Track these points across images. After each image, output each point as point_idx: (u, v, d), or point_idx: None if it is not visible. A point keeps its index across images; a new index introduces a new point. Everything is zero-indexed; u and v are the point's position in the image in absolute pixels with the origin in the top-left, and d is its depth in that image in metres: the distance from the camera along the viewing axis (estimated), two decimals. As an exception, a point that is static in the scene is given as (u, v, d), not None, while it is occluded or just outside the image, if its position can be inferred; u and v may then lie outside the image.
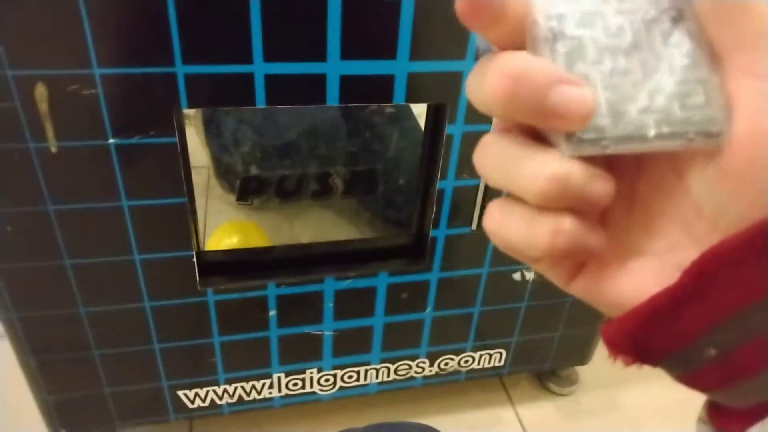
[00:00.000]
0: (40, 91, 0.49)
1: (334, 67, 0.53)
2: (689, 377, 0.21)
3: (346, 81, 0.54)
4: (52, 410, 0.67)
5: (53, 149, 0.51)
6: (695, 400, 0.24)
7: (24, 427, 0.75)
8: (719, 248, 0.19)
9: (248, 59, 0.51)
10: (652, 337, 0.20)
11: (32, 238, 0.55)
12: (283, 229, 0.76)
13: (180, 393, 0.70)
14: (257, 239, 0.76)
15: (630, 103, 0.22)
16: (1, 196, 0.53)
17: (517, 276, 0.73)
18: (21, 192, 0.53)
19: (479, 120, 0.59)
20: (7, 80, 0.47)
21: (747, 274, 0.18)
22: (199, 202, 0.63)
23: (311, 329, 0.70)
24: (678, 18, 0.23)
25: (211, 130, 0.73)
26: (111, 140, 0.52)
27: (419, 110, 0.74)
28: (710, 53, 0.22)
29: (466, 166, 0.62)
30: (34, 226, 0.54)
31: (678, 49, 0.22)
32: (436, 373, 0.80)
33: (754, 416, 0.20)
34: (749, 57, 0.19)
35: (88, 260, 0.58)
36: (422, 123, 0.63)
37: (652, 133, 0.21)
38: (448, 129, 0.59)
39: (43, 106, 0.49)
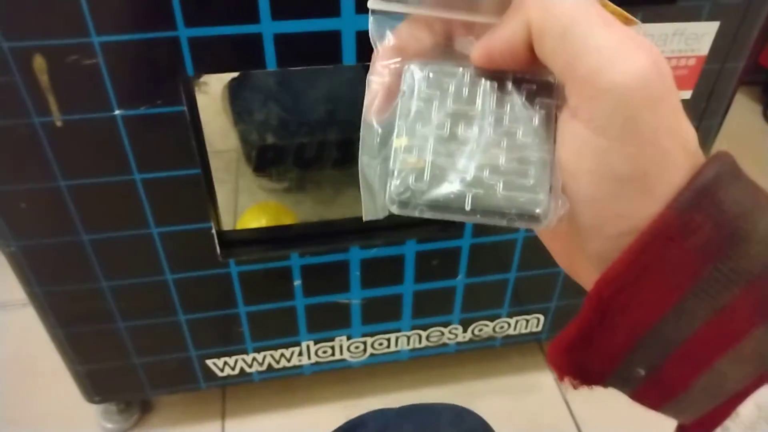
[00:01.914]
0: (39, 63, 0.46)
1: (350, 22, 0.48)
2: (635, 395, 0.21)
3: (363, 37, 0.49)
4: (84, 379, 0.68)
5: (58, 123, 0.49)
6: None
7: (61, 392, 0.76)
8: (607, 276, 0.20)
9: (255, 18, 0.47)
10: (584, 361, 0.21)
11: (47, 214, 0.54)
12: (315, 211, 0.73)
13: (209, 362, 0.70)
14: (286, 221, 0.73)
15: (456, 173, 0.21)
16: (10, 174, 0.51)
17: (555, 241, 0.68)
18: (30, 168, 0.51)
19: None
20: (3, 52, 0.45)
21: (642, 293, 0.19)
22: (230, 185, 0.61)
23: (338, 298, 0.68)
24: (536, 93, 0.22)
25: (237, 107, 0.69)
26: (117, 111, 0.49)
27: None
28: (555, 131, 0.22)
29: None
30: (48, 202, 0.53)
31: (524, 125, 0.22)
32: (470, 339, 0.77)
33: (707, 427, 0.20)
34: (576, 102, 0.20)
35: (105, 234, 0.56)
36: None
37: (468, 207, 0.21)
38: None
39: (44, 79, 0.47)
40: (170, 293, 0.62)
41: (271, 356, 0.72)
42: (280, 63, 0.49)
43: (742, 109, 1.40)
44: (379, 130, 0.24)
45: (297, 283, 0.65)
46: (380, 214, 0.23)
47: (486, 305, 0.74)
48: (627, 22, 0.23)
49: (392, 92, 0.24)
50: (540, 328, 0.79)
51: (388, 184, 0.22)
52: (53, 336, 0.63)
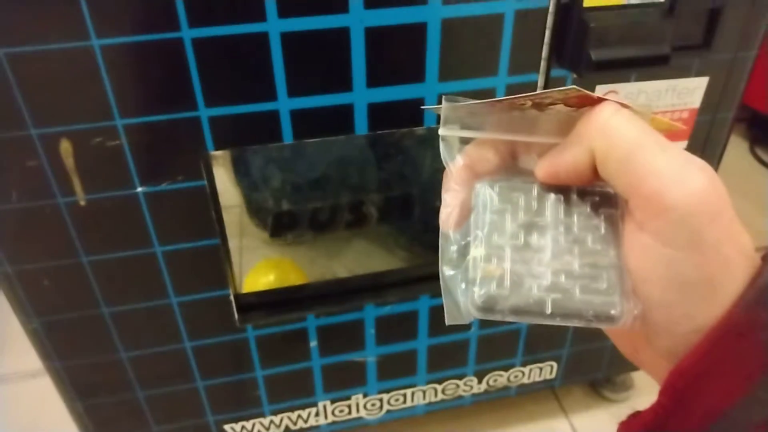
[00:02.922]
0: (65, 147, 0.48)
1: (361, 96, 0.51)
2: None
3: (374, 109, 0.52)
4: (103, 451, 0.68)
5: (82, 202, 0.50)
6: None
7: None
8: (681, 368, 0.22)
9: (272, 96, 0.49)
10: None
11: (69, 290, 0.55)
12: (320, 264, 0.75)
13: (227, 427, 0.70)
14: (294, 276, 0.74)
15: (534, 279, 0.23)
16: (35, 252, 0.52)
17: (564, 290, 0.70)
18: (54, 246, 0.52)
19: (516, 136, 0.56)
20: (32, 139, 0.47)
21: (714, 384, 0.21)
22: (233, 243, 0.62)
23: (354, 356, 0.69)
24: (600, 204, 0.24)
25: (240, 169, 0.71)
26: (139, 189, 0.51)
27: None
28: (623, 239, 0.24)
29: (505, 183, 0.59)
30: (70, 278, 0.54)
31: (592, 233, 0.24)
32: (485, 390, 0.78)
33: None
34: (642, 217, 0.22)
35: (126, 307, 0.57)
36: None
37: (549, 310, 0.23)
38: (484, 147, 0.56)
39: (69, 161, 0.48)
40: (188, 360, 0.63)
41: (288, 418, 0.71)
42: (296, 136, 0.51)
43: (730, 145, 1.44)
44: (458, 242, 0.26)
45: (313, 344, 0.66)
46: (465, 320, 0.25)
47: (499, 355, 0.75)
48: (672, 128, 0.26)
49: (465, 207, 0.26)
50: (554, 375, 0.79)
51: (471, 292, 0.24)
52: (71, 409, 0.63)
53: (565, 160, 0.24)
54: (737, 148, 1.44)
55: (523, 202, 0.25)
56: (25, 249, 0.52)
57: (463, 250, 0.26)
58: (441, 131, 0.27)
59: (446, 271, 0.26)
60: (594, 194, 0.25)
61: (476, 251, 0.24)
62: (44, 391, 0.86)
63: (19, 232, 0.51)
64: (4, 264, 0.52)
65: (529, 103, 0.26)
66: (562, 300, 0.23)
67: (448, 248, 0.26)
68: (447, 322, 0.26)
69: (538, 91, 0.25)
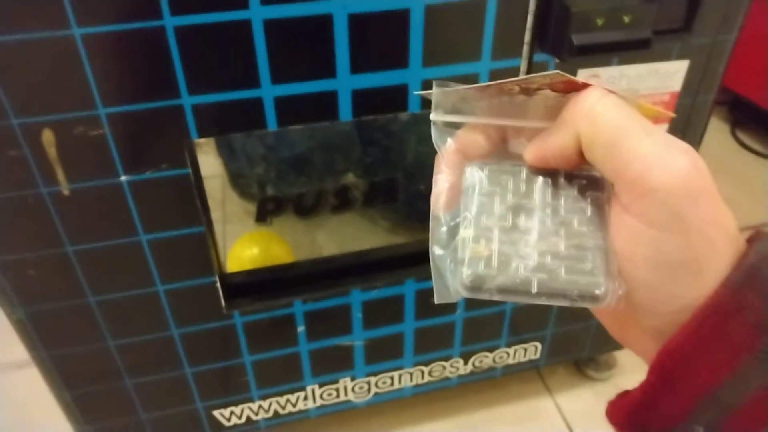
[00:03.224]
0: (47, 137, 0.47)
1: (345, 83, 0.51)
2: None
3: (358, 95, 0.52)
4: (92, 439, 0.68)
5: (66, 192, 0.50)
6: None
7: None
8: (668, 347, 0.22)
9: (256, 83, 0.49)
10: (643, 422, 0.24)
11: (54, 279, 0.55)
12: (304, 242, 0.75)
13: (215, 413, 0.70)
14: (278, 249, 0.75)
15: (521, 259, 0.24)
16: (20, 242, 0.52)
17: (548, 272, 0.71)
18: (38, 236, 0.52)
19: (500, 121, 0.57)
20: (13, 129, 0.46)
21: (701, 363, 0.22)
22: (216, 214, 0.62)
23: (341, 341, 0.69)
24: (586, 187, 0.25)
25: (224, 147, 0.71)
26: (123, 177, 0.51)
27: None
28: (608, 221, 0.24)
29: (489, 168, 0.60)
30: (56, 268, 0.54)
31: (579, 215, 0.25)
32: (471, 371, 0.79)
33: None
34: (627, 199, 0.23)
35: (112, 295, 0.57)
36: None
37: (534, 290, 0.24)
38: (468, 132, 0.57)
39: (52, 151, 0.48)
40: (176, 347, 0.63)
41: (277, 402, 0.72)
42: (280, 123, 0.51)
43: (711, 128, 1.45)
44: (448, 223, 0.27)
45: (300, 329, 0.66)
46: (453, 298, 0.26)
47: (485, 337, 0.76)
48: (660, 115, 0.26)
49: (456, 189, 0.27)
50: (538, 355, 0.81)
51: (459, 272, 0.24)
52: (59, 398, 0.63)
53: (552, 144, 0.25)
54: (719, 131, 1.46)
55: (512, 184, 0.26)
56: (10, 239, 0.52)
57: (453, 231, 0.26)
58: (432, 116, 0.28)
59: (436, 251, 0.27)
60: (581, 177, 0.26)
61: (465, 232, 0.25)
62: (32, 382, 0.87)
63: (3, 222, 0.51)
64: (-13, 255, 0.52)
65: (517, 88, 0.27)
66: (548, 280, 0.23)
67: (438, 229, 0.27)
68: (436, 300, 0.27)
69: (523, 76, 0.25)
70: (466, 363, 0.78)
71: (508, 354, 0.79)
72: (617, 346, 0.86)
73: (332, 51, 0.49)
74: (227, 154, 0.73)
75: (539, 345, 0.80)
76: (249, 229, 0.74)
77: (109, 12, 0.43)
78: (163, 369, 0.64)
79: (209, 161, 0.77)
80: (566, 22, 0.51)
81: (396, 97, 0.53)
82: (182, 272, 0.58)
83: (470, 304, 0.71)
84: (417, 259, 0.68)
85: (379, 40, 0.50)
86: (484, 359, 0.78)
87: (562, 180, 0.26)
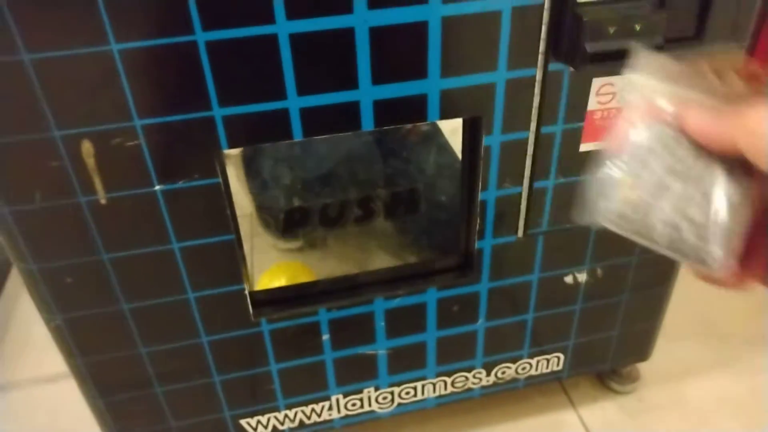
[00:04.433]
0: (86, 148, 0.50)
1: (367, 93, 0.53)
2: None
3: (379, 105, 0.54)
4: (123, 447, 0.69)
5: (103, 201, 0.53)
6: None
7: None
8: None
9: (282, 95, 0.51)
10: None
11: (90, 286, 0.57)
12: (327, 265, 0.77)
13: (242, 422, 0.71)
14: (305, 278, 0.77)
15: (660, 213, 0.28)
16: (58, 250, 0.54)
17: (568, 279, 0.71)
18: (76, 244, 0.54)
19: (516, 128, 0.58)
20: (54, 141, 0.49)
21: None
22: (246, 247, 0.65)
23: (365, 349, 0.70)
24: (739, 168, 0.28)
25: (251, 171, 0.74)
26: (157, 187, 0.53)
27: (452, 127, 0.73)
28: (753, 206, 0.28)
29: (508, 174, 0.61)
30: (91, 275, 0.56)
31: (724, 193, 0.28)
32: (494, 382, 0.79)
33: None
34: None
35: (145, 303, 0.59)
36: (454, 139, 0.63)
37: (662, 243, 0.28)
38: (486, 140, 0.59)
39: (90, 161, 0.51)
40: (205, 355, 0.64)
41: (302, 412, 0.73)
42: (306, 133, 0.54)
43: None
44: (613, 164, 0.31)
45: (325, 337, 0.67)
46: (588, 222, 0.31)
47: (507, 347, 0.76)
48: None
49: (629, 138, 0.30)
50: (561, 366, 0.81)
51: (607, 207, 0.29)
52: (93, 406, 0.65)
53: (713, 136, 0.28)
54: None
55: (675, 147, 0.29)
56: (49, 247, 0.54)
57: (612, 171, 0.30)
58: (632, 76, 0.31)
59: (595, 181, 0.31)
60: (738, 161, 0.28)
61: (622, 176, 0.29)
62: (61, 396, 0.89)
63: (43, 231, 0.53)
64: (28, 262, 0.54)
65: (711, 69, 0.31)
66: (677, 240, 0.28)
67: (603, 166, 0.31)
68: (578, 219, 0.32)
69: (707, 52, 0.30)
70: (488, 374, 0.78)
71: (530, 365, 0.79)
72: (640, 358, 0.85)
73: (354, 63, 0.51)
74: (256, 183, 0.76)
75: (562, 356, 0.80)
76: (276, 246, 0.77)
77: (144, 28, 0.46)
78: (192, 377, 0.66)
79: (240, 197, 0.80)
80: (579, 30, 0.53)
81: (416, 107, 0.55)
82: (212, 280, 0.60)
83: (491, 314, 0.72)
84: (438, 270, 0.69)
85: (399, 51, 0.52)
86: (507, 370, 0.79)
87: (718, 158, 0.29)
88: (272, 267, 0.84)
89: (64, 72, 0.46)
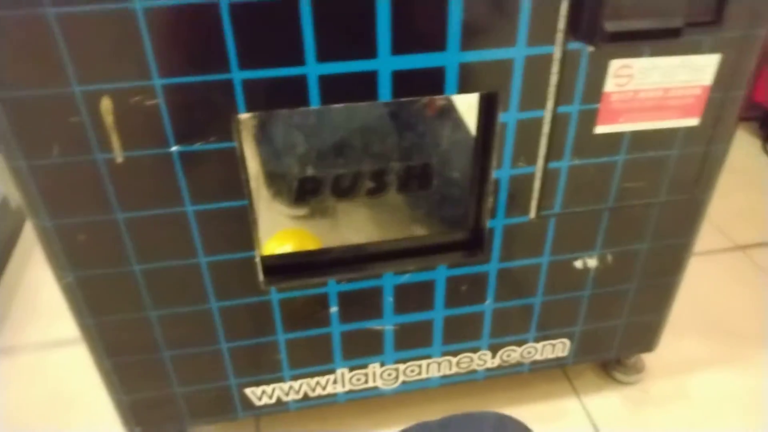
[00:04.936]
0: (106, 104, 0.51)
1: (386, 63, 0.53)
2: None
3: (397, 76, 0.54)
4: (127, 410, 0.70)
5: (119, 159, 0.53)
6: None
7: (102, 425, 0.78)
8: None
9: (301, 61, 0.52)
10: None
11: (103, 245, 0.58)
12: (334, 235, 0.77)
13: (247, 390, 0.72)
14: (310, 245, 0.77)
15: None
16: (73, 206, 0.55)
17: (578, 264, 0.71)
18: (91, 202, 0.55)
19: (533, 106, 0.58)
20: (74, 96, 0.49)
21: None
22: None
23: (372, 324, 0.71)
24: None
25: (264, 139, 0.74)
26: (174, 148, 0.54)
27: (467, 102, 0.73)
28: None
29: (522, 153, 0.61)
30: (105, 234, 0.57)
31: None
32: (499, 365, 0.79)
33: None
34: None
35: (156, 265, 0.60)
36: (469, 116, 0.63)
37: None
38: (502, 117, 0.59)
39: (109, 119, 0.51)
40: (214, 321, 0.65)
41: (307, 384, 0.74)
42: (323, 101, 0.54)
43: (743, 143, 1.45)
44: None
45: (333, 309, 0.68)
46: None
47: (513, 330, 0.76)
48: None
49: None
50: (566, 353, 0.81)
51: None
52: (100, 367, 0.66)
53: None
54: (750, 146, 1.45)
55: None
56: (63, 203, 0.55)
57: None
58: None
59: None
60: None
61: None
62: (68, 361, 0.90)
63: (58, 186, 0.54)
64: (43, 217, 0.55)
65: None
66: None
67: None
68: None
69: None
70: (493, 356, 0.78)
71: (535, 349, 0.79)
72: (646, 349, 0.85)
73: (374, 32, 0.52)
74: (268, 150, 0.76)
75: (567, 342, 0.80)
76: (282, 212, 0.77)
77: (170, -13, 0.47)
78: (200, 342, 0.66)
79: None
80: (599, 9, 0.53)
81: (433, 80, 0.55)
82: (224, 245, 0.60)
83: (500, 295, 0.72)
84: (449, 246, 0.69)
85: (420, 22, 0.52)
86: (512, 353, 0.79)
87: None
88: (278, 233, 0.84)
89: (87, 27, 0.47)
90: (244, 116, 0.56)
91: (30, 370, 0.92)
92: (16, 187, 0.54)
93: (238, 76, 0.51)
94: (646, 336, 0.84)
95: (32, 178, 0.53)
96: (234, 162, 0.56)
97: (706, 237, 1.08)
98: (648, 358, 0.90)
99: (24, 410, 0.86)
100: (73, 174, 0.53)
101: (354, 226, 0.78)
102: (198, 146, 0.54)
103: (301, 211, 0.79)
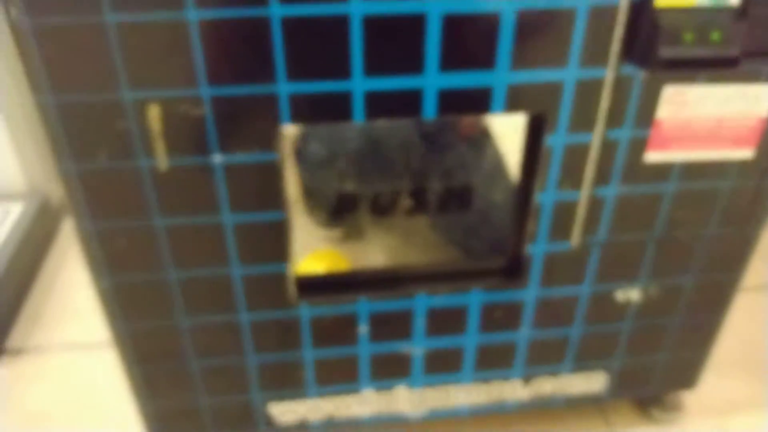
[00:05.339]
0: (154, 112, 0.51)
1: (432, 81, 0.53)
2: None
3: (443, 93, 0.53)
4: (151, 418, 0.70)
5: (163, 166, 0.53)
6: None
7: (126, 433, 0.78)
8: None
9: (347, 75, 0.51)
10: None
11: (141, 251, 0.58)
12: (368, 257, 0.77)
13: (271, 405, 0.71)
14: (343, 267, 0.76)
15: None
16: (114, 211, 0.55)
17: (620, 295, 0.69)
18: (132, 207, 0.55)
19: (582, 129, 0.57)
20: (125, 102, 0.50)
21: None
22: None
23: (402, 346, 0.69)
24: None
25: (303, 152, 0.74)
26: (216, 157, 0.54)
27: (509, 128, 0.72)
28: None
29: (568, 177, 0.60)
30: (143, 240, 0.57)
31: None
32: (530, 396, 0.77)
33: None
34: None
35: (191, 273, 0.59)
36: (507, 142, 0.62)
37: None
38: (549, 140, 0.57)
39: (156, 126, 0.52)
40: (242, 333, 0.64)
41: (332, 403, 0.72)
42: (367, 116, 0.53)
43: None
44: None
45: (363, 329, 0.67)
46: None
47: (548, 360, 0.74)
48: None
49: None
50: (602, 387, 0.78)
51: None
52: (128, 373, 0.66)
53: None
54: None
55: None
56: (105, 207, 0.55)
57: None
58: None
59: None
60: None
61: None
62: (97, 365, 0.90)
63: (103, 191, 0.54)
64: (86, 221, 0.55)
65: None
66: None
67: None
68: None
69: None
70: (525, 386, 0.76)
71: (570, 382, 0.77)
72: (685, 386, 0.82)
73: (423, 49, 0.51)
74: (307, 166, 0.76)
75: (604, 375, 0.77)
76: (320, 231, 0.77)
77: (223, -2, 0.47)
78: (228, 354, 0.66)
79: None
80: (655, 35, 0.52)
81: (480, 98, 0.54)
82: (259, 256, 0.60)
83: (536, 323, 0.70)
84: (484, 271, 0.68)
85: (469, 41, 0.52)
86: (546, 384, 0.76)
87: None
88: (312, 254, 0.84)
89: (142, 35, 0.47)
90: (287, 128, 0.56)
91: (59, 372, 0.92)
92: (63, 189, 0.54)
93: (284, 88, 0.51)
94: (686, 373, 0.80)
95: (79, 181, 0.53)
96: (275, 174, 0.55)
97: (758, 271, 1.04)
98: (687, 397, 0.86)
99: (50, 411, 0.86)
100: (118, 179, 0.54)
101: (388, 250, 0.77)
102: (240, 156, 0.54)
103: (336, 232, 0.79)
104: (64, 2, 0.46)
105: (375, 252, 0.82)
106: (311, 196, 0.76)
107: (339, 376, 0.70)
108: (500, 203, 0.68)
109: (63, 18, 0.46)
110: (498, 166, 0.65)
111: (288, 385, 0.70)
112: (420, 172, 0.70)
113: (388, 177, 0.70)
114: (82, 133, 0.51)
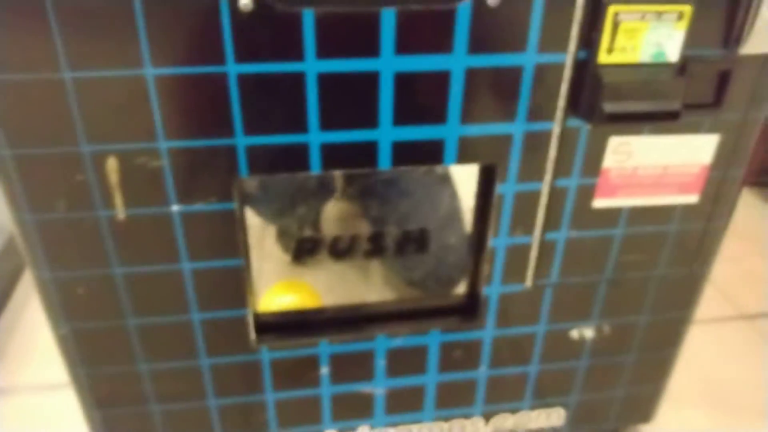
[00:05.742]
0: (111, 164, 0.52)
1: (386, 134, 0.54)
2: None
3: (397, 146, 0.55)
4: (113, 463, 0.69)
5: (120, 216, 0.54)
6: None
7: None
8: None
9: (304, 129, 0.53)
10: None
11: (100, 299, 0.58)
12: (333, 288, 0.78)
13: (235, 449, 0.71)
14: (310, 299, 0.77)
15: None
16: (73, 261, 0.56)
17: (574, 334, 0.71)
18: (90, 256, 0.56)
19: (531, 178, 0.59)
20: (83, 155, 0.51)
21: None
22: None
23: (363, 387, 0.70)
24: None
25: (263, 197, 0.76)
26: (174, 207, 0.55)
27: (463, 175, 0.74)
28: None
29: (520, 223, 0.62)
30: (102, 288, 0.57)
31: None
32: (491, 432, 0.78)
33: None
34: None
35: (150, 320, 0.60)
36: (463, 187, 0.64)
37: None
38: (500, 188, 0.59)
39: (114, 178, 0.52)
40: (203, 378, 0.65)
41: (295, 444, 0.73)
42: (324, 167, 0.55)
43: (754, 210, 1.45)
44: None
45: (324, 370, 0.67)
46: None
47: (508, 397, 0.75)
48: None
49: None
50: (562, 422, 0.79)
51: None
52: (88, 417, 0.66)
53: None
54: (762, 212, 1.45)
55: None
56: (64, 257, 0.56)
57: None
58: None
59: None
60: None
61: None
62: (60, 405, 0.89)
63: (60, 240, 0.55)
64: (43, 270, 0.55)
65: None
66: None
67: None
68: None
69: None
70: (487, 423, 0.77)
71: (530, 417, 0.78)
72: (643, 419, 0.84)
73: (376, 104, 0.53)
74: (270, 210, 0.77)
75: (563, 411, 0.79)
76: (284, 268, 0.78)
77: (179, 56, 0.48)
78: (189, 398, 0.66)
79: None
80: (598, 90, 0.54)
81: (433, 150, 0.56)
82: (218, 302, 0.60)
83: (495, 361, 0.71)
84: (443, 310, 0.69)
85: (421, 97, 0.54)
86: (506, 421, 0.78)
87: None
88: (278, 283, 0.84)
89: (100, 91, 0.49)
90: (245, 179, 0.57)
91: (23, 413, 0.91)
92: (20, 239, 0.55)
93: (242, 141, 0.53)
94: (643, 407, 0.82)
95: (36, 231, 0.54)
96: (232, 223, 0.56)
97: (711, 304, 1.06)
98: (645, 429, 0.88)
99: (11, 453, 0.85)
100: (76, 229, 0.54)
101: (351, 282, 0.79)
102: (199, 206, 0.55)
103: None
104: (21, 60, 0.47)
105: (342, 283, 0.83)
106: (278, 232, 0.77)
107: (301, 418, 0.71)
108: (456, 246, 0.70)
109: (20, 75, 0.47)
110: (455, 210, 0.67)
111: (250, 427, 0.70)
112: (378, 217, 0.71)
113: (345, 222, 0.72)
114: (39, 185, 0.52)
